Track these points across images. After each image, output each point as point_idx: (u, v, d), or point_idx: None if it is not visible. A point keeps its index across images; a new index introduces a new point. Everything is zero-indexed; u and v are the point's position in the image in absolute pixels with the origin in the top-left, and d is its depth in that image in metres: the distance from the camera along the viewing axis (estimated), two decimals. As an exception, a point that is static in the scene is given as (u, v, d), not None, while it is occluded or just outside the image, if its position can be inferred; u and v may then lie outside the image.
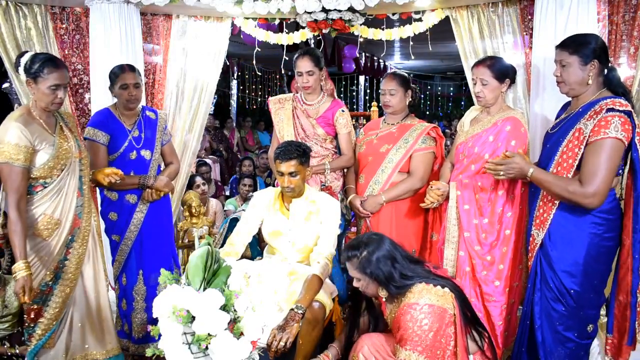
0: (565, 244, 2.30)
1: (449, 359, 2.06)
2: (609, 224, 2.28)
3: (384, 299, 2.30)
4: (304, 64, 3.13)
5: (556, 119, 2.55)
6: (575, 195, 2.20)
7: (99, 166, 2.85)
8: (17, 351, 2.99)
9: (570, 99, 2.45)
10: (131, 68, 2.95)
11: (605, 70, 2.33)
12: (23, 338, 2.88)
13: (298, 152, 2.65)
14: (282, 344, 2.30)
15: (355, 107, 12.01)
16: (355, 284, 2.26)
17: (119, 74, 2.89)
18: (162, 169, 3.13)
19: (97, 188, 2.94)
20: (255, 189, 4.97)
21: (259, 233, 2.90)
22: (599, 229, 2.26)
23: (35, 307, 2.52)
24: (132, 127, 2.97)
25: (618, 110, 2.17)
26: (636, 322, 2.31)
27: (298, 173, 2.65)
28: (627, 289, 2.30)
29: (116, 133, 2.92)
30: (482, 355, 2.21)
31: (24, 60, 2.45)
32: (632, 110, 2.20)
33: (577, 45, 2.30)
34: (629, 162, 2.29)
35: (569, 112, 2.42)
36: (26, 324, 2.55)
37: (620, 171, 2.31)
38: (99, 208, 3.06)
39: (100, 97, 3.54)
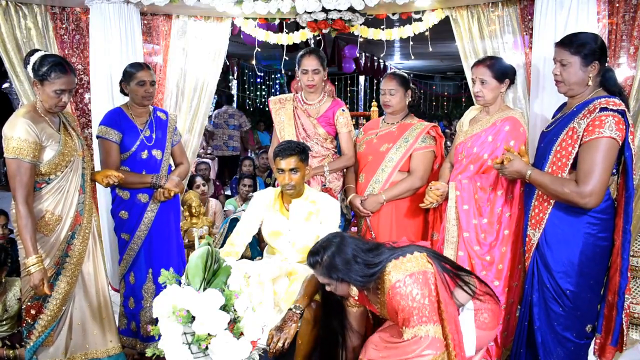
0: (561, 244, 2.30)
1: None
2: (603, 224, 2.27)
3: (356, 298, 2.28)
4: (310, 62, 3.12)
5: (552, 118, 2.54)
6: (571, 195, 2.19)
7: (112, 164, 2.87)
8: (18, 352, 2.99)
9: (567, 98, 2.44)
10: (147, 66, 2.99)
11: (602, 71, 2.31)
12: (23, 338, 2.88)
13: (298, 148, 2.67)
14: (279, 344, 2.30)
15: (355, 107, 11.96)
16: (327, 288, 2.24)
17: (137, 71, 2.91)
18: (171, 169, 3.14)
19: (109, 187, 2.94)
20: (255, 189, 4.97)
21: (259, 233, 2.91)
22: (593, 229, 2.26)
23: (36, 303, 2.52)
24: (144, 126, 2.98)
25: (612, 110, 2.16)
26: (622, 324, 2.30)
27: (298, 170, 2.65)
28: (615, 289, 2.30)
29: (128, 132, 2.93)
30: (476, 299, 2.20)
31: (33, 59, 2.43)
32: (626, 110, 2.19)
33: (579, 46, 2.26)
34: (622, 161, 2.28)
35: (564, 111, 2.41)
36: (25, 322, 2.55)
37: (615, 171, 2.29)
38: (109, 207, 3.07)
39: (100, 97, 3.56)
